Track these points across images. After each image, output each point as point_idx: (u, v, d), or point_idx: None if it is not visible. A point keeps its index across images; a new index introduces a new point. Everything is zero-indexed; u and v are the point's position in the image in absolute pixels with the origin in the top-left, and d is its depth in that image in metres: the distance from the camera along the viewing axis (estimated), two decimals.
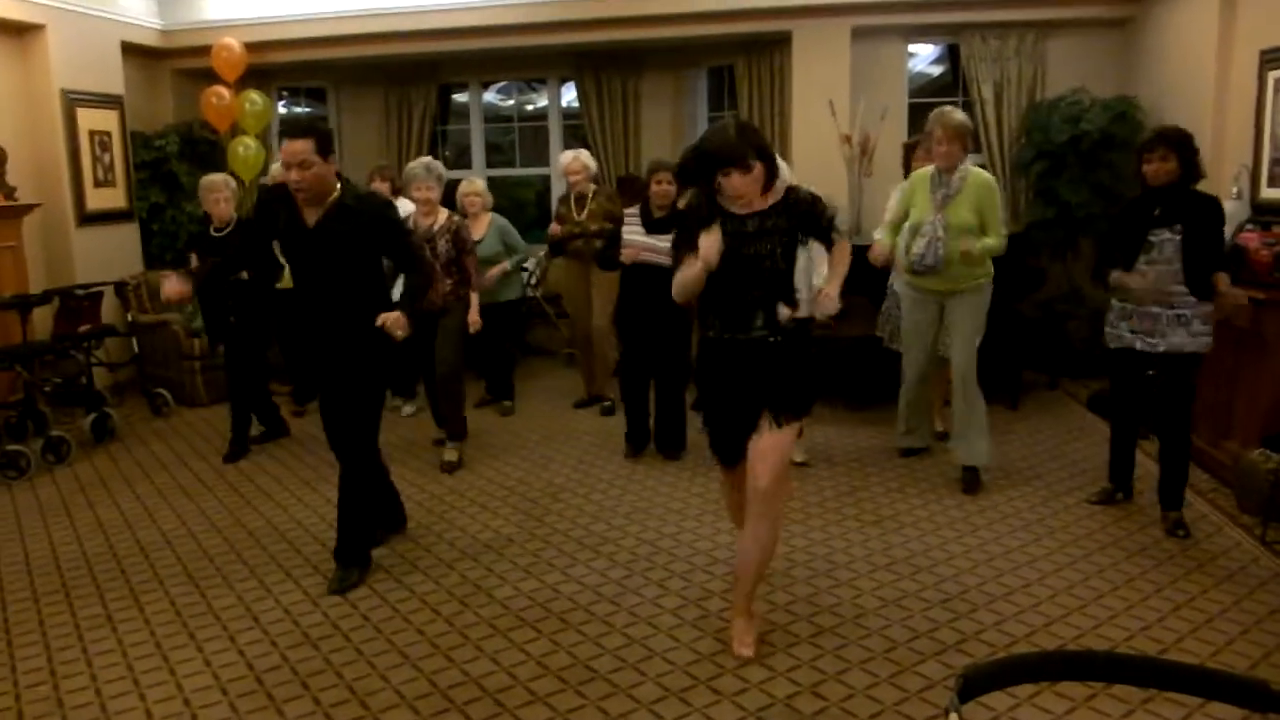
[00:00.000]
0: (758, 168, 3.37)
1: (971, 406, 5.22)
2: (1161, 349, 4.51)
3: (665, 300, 5.27)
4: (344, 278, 4.20)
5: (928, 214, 5.08)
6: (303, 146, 4.04)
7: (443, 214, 5.80)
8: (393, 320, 4.09)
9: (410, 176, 5.79)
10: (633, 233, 5.77)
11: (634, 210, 5.89)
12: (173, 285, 4.41)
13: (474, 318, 5.95)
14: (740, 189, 3.38)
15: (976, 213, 5.01)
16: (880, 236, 5.43)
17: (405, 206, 6.70)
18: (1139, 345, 4.58)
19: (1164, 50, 7.16)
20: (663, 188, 5.70)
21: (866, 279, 5.78)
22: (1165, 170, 4.44)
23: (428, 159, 5.91)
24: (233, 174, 8.17)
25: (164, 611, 4.13)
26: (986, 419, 5.29)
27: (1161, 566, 4.28)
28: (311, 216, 4.19)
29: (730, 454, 3.64)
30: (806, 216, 3.50)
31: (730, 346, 3.52)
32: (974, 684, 1.68)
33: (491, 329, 6.82)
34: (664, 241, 5.27)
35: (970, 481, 5.30)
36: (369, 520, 4.49)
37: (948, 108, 5.19)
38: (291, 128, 4.22)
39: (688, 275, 3.46)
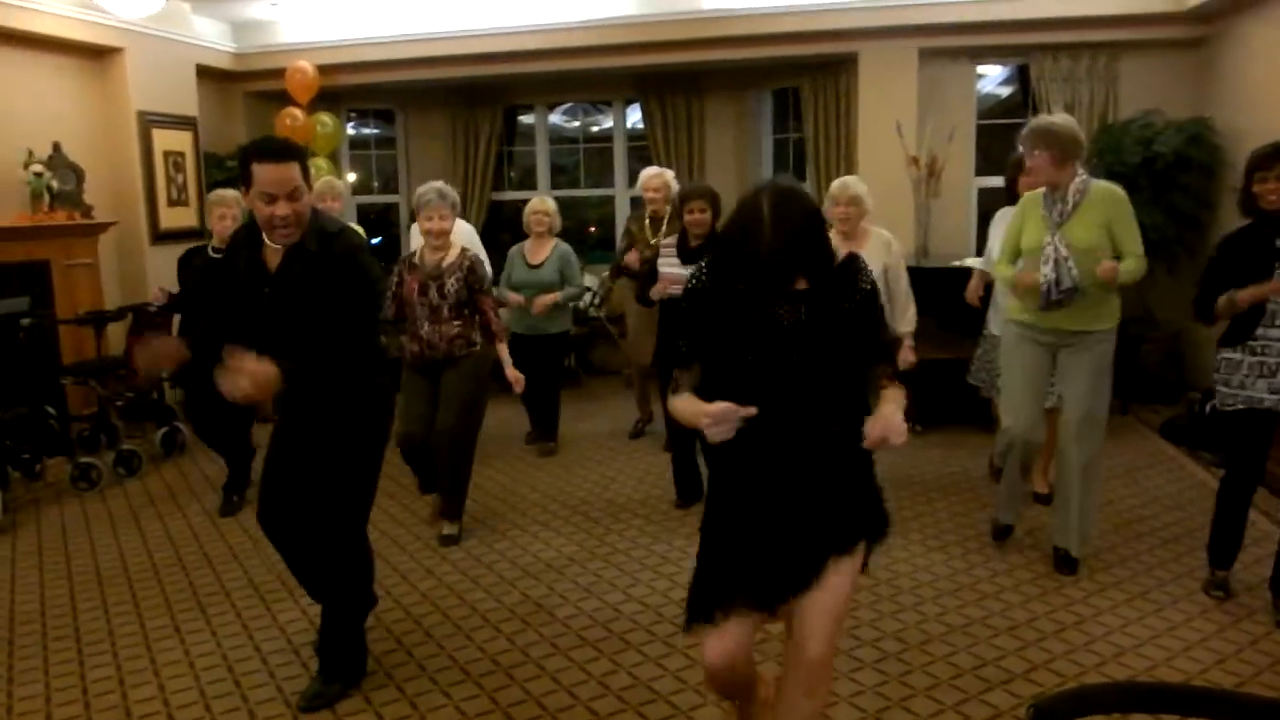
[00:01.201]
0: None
1: (1083, 474, 4.41)
2: None
3: None
4: (306, 335, 3.23)
5: (1042, 236, 4.28)
6: (294, 173, 3.18)
7: (455, 248, 5.11)
8: (238, 365, 2.98)
9: (421, 203, 5.07)
10: (668, 265, 5.36)
11: (671, 241, 5.51)
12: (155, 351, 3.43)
13: (513, 374, 5.14)
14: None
15: (1103, 229, 4.23)
16: (1006, 272, 4.54)
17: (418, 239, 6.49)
18: None
19: (1241, 71, 7.02)
20: (695, 216, 5.27)
21: (935, 299, 5.71)
22: None
23: (440, 184, 5.14)
24: None
25: (231, 623, 4.18)
26: (1097, 494, 4.58)
27: (1238, 598, 4.16)
28: (274, 260, 3.31)
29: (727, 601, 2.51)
30: (863, 315, 2.48)
31: (758, 477, 2.52)
32: (1045, 715, 1.64)
33: (536, 364, 6.55)
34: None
35: (1062, 562, 4.51)
36: (360, 631, 3.70)
37: (1042, 115, 4.56)
38: (271, 149, 3.23)
39: (686, 413, 2.49)
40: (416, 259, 5.11)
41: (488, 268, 6.38)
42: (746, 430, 2.35)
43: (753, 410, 2.31)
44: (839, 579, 2.50)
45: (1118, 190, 4.34)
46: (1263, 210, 3.91)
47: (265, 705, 3.50)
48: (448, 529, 5.11)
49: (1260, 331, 3.93)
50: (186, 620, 4.23)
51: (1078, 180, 4.27)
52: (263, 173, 3.14)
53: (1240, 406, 3.99)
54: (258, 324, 3.31)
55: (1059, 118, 4.35)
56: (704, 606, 2.53)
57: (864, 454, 2.50)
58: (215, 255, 5.62)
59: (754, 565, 2.50)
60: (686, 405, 2.50)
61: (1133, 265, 4.21)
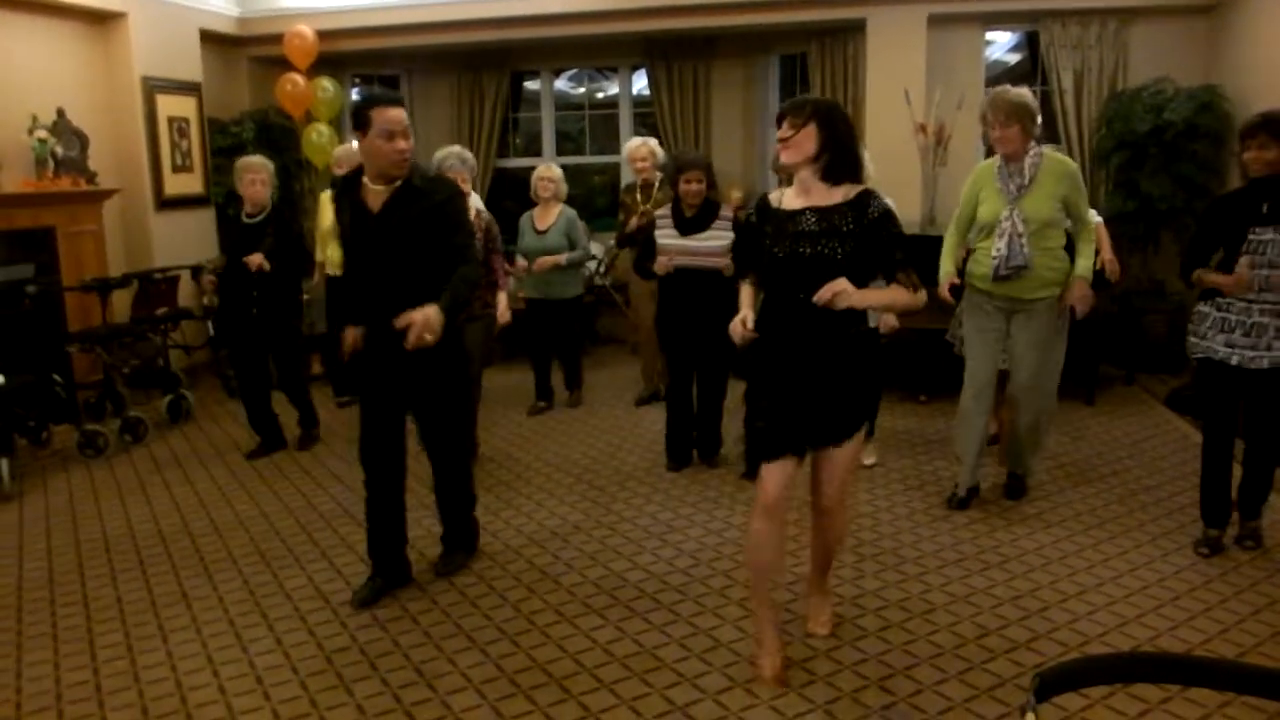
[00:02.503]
0: (813, 132, 3.14)
1: (1030, 427, 4.79)
2: (1265, 364, 4.01)
3: (705, 305, 5.19)
4: (414, 267, 3.81)
5: (1000, 209, 4.50)
6: (406, 114, 3.75)
7: (469, 211, 4.94)
8: (422, 320, 3.60)
9: (444, 167, 5.25)
10: (666, 236, 5.39)
11: (665, 211, 5.50)
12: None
13: (502, 309, 5.63)
14: (788, 148, 3.17)
15: (1058, 202, 4.46)
16: (946, 264, 4.82)
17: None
18: (1235, 360, 4.05)
19: (1252, 37, 6.95)
20: (692, 187, 5.27)
21: (934, 270, 5.68)
22: (1264, 160, 3.94)
23: (458, 147, 5.50)
24: (307, 161, 8.35)
25: (237, 590, 4.21)
26: (1045, 444, 5.03)
27: (1241, 569, 4.17)
28: (376, 201, 3.83)
29: (779, 448, 3.27)
30: (875, 232, 3.14)
31: (788, 355, 3.24)
32: (1050, 684, 1.66)
33: (552, 327, 6.89)
34: (698, 242, 5.23)
35: (1013, 488, 4.98)
36: (472, 507, 4.45)
37: (1002, 86, 4.62)
38: (387, 96, 3.79)
39: (741, 304, 3.45)
40: None
41: None
42: (780, 316, 3.24)
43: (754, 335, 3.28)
44: (846, 450, 3.32)
45: (1070, 162, 4.56)
46: (1250, 177, 4.08)
47: (272, 671, 3.53)
48: None
49: None
50: (194, 587, 4.25)
51: (1032, 154, 4.49)
52: (382, 115, 3.67)
53: (1200, 355, 4.22)
54: (363, 260, 3.90)
55: (1025, 91, 4.51)
56: (762, 454, 3.28)
57: (874, 354, 3.33)
58: (249, 221, 5.89)
59: (792, 425, 3.25)
60: (744, 299, 3.46)
61: (1087, 263, 4.55)
